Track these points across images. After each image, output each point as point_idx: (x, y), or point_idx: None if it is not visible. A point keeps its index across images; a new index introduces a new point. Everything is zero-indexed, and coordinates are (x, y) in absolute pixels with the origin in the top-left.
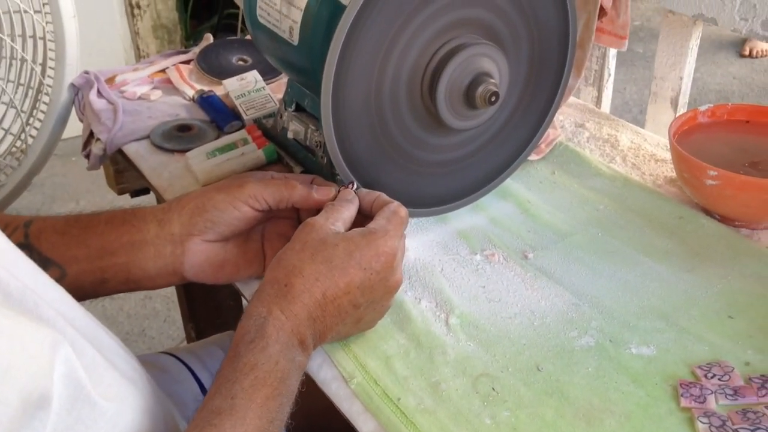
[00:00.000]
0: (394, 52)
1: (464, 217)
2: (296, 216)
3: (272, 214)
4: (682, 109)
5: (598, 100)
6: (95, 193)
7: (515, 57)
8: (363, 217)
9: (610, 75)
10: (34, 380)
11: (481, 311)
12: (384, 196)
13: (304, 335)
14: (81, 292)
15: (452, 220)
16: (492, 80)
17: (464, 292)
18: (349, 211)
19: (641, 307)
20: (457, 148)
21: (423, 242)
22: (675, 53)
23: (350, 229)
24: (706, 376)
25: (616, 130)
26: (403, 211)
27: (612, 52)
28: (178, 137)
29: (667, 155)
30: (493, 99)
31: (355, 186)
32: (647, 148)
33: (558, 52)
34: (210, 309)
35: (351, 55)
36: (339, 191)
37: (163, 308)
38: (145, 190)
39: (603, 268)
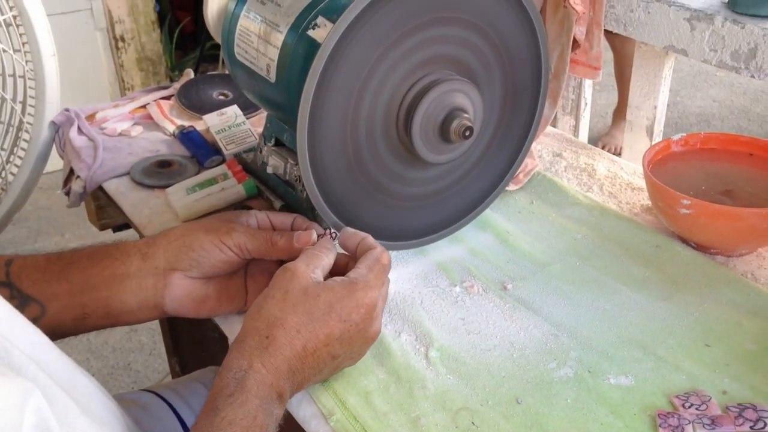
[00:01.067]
0: (369, 89)
1: (444, 249)
2: None
3: None
4: (657, 137)
5: (576, 129)
6: (80, 226)
7: (489, 90)
8: (347, 257)
9: (586, 104)
10: None
11: (461, 344)
12: (369, 240)
13: (283, 388)
14: (61, 330)
15: (432, 252)
16: (466, 115)
17: (444, 325)
18: (328, 259)
19: (619, 337)
20: (435, 180)
21: (403, 275)
22: (649, 83)
23: (328, 276)
24: (683, 405)
25: (592, 159)
26: (386, 257)
27: (588, 82)
28: (158, 173)
29: (644, 184)
30: (467, 133)
31: (333, 233)
32: (623, 176)
33: (532, 82)
34: (194, 342)
35: (326, 91)
36: (319, 236)
37: (148, 341)
38: (126, 225)
39: (581, 297)
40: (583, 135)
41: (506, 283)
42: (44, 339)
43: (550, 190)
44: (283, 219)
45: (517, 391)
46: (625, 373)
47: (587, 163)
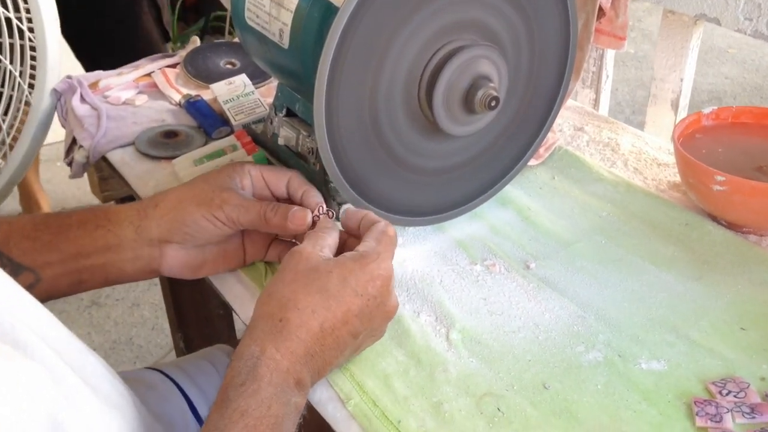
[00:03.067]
0: (389, 56)
1: (463, 226)
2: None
3: None
4: (682, 112)
5: (596, 103)
6: (81, 199)
7: (515, 59)
8: (351, 238)
9: (608, 77)
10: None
11: (483, 325)
12: (371, 215)
13: (302, 374)
14: (58, 293)
15: (450, 228)
16: (492, 84)
17: (465, 305)
18: (332, 238)
19: (649, 319)
20: (455, 154)
21: (421, 252)
22: (675, 54)
23: (337, 254)
24: (720, 392)
25: (615, 133)
26: (392, 230)
27: (609, 54)
28: (164, 144)
29: (670, 159)
30: (493, 104)
31: (332, 212)
32: (649, 152)
33: (558, 53)
34: (199, 318)
35: (344, 58)
36: (314, 216)
37: (151, 316)
38: (131, 197)
39: (608, 277)
40: (604, 109)
41: (529, 262)
42: (54, 319)
43: (572, 166)
44: (278, 177)
45: (543, 376)
46: (657, 357)
47: (610, 137)
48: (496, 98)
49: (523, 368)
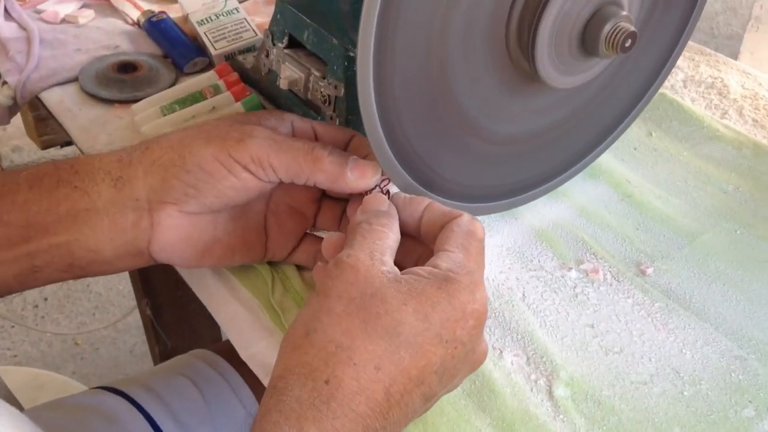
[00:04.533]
0: None
1: (540, 209)
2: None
3: None
4: None
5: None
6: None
7: None
8: (403, 239)
9: None
10: None
11: (599, 372)
12: (438, 205)
13: None
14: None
15: (525, 213)
16: (624, 13)
17: (566, 337)
18: (394, 235)
19: None
20: (546, 113)
21: (488, 248)
22: None
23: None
24: None
25: (717, 69)
26: (480, 228)
27: None
28: (119, 81)
29: None
30: (627, 43)
31: (386, 189)
32: (766, 95)
33: None
34: (170, 283)
35: None
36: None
37: None
38: None
39: (759, 288)
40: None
41: (643, 264)
42: None
43: (673, 116)
44: (335, 133)
45: None
46: None
47: (713, 76)
48: (632, 34)
49: None
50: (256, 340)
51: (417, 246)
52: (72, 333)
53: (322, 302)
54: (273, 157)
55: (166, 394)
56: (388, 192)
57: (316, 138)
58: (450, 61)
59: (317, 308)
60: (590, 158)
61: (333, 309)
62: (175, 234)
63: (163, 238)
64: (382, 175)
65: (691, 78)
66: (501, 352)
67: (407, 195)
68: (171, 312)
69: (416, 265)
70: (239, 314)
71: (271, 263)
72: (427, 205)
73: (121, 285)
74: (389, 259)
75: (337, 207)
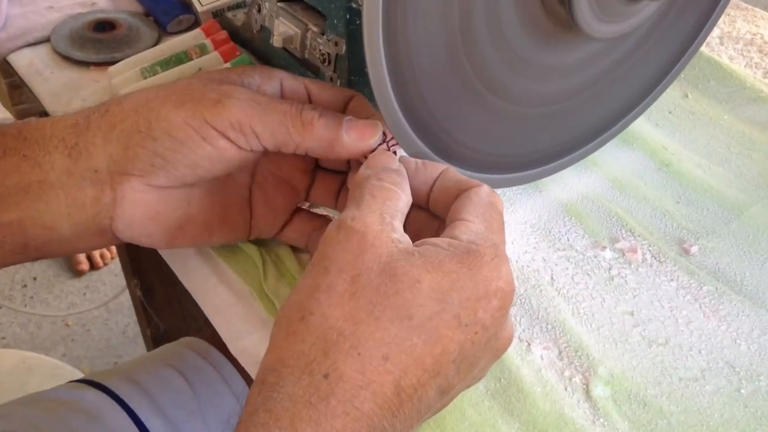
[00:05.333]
0: None
1: (567, 179)
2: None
3: None
4: None
5: None
6: None
7: None
8: (414, 210)
9: None
10: None
11: (643, 367)
12: (453, 173)
13: None
14: None
15: (550, 185)
16: None
17: (603, 327)
18: (406, 195)
19: None
20: (577, 71)
21: (510, 225)
22: None
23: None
24: None
25: (755, 24)
26: (500, 203)
27: None
28: (95, 41)
29: None
30: None
31: (393, 146)
32: None
33: None
34: (161, 262)
35: None
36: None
37: None
38: None
39: None
40: None
41: (686, 241)
42: None
43: (711, 76)
44: (332, 93)
45: None
46: None
47: (752, 32)
48: None
49: None
50: (247, 332)
51: (430, 221)
52: (62, 315)
53: (320, 278)
54: (256, 122)
55: (151, 387)
56: (395, 153)
57: (309, 100)
58: (473, 8)
59: (314, 286)
60: (625, 122)
61: (334, 287)
62: (141, 210)
63: (128, 215)
64: (388, 136)
65: (728, 34)
66: (529, 344)
67: (419, 160)
68: (163, 293)
69: (420, 238)
70: (228, 302)
71: (260, 243)
72: (442, 170)
73: (113, 263)
74: (399, 224)
75: (334, 179)
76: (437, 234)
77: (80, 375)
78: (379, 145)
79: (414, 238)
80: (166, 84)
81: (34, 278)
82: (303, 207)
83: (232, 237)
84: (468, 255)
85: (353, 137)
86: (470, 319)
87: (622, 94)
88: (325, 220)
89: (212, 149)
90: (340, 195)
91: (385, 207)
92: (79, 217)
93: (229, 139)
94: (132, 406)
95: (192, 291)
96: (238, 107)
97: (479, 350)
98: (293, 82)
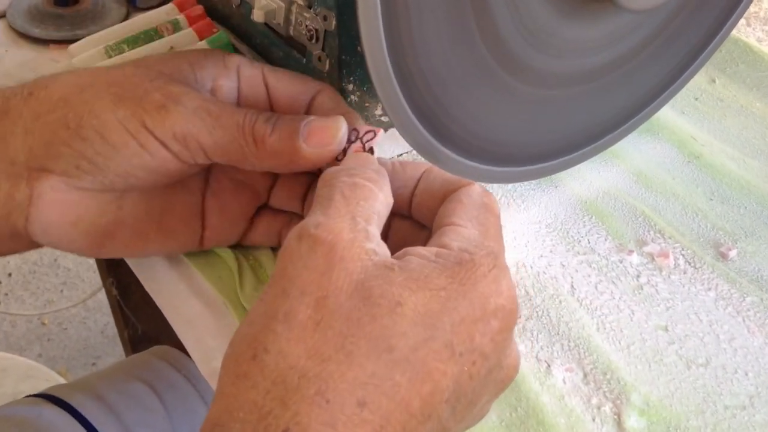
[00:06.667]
0: None
1: (586, 173)
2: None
3: None
4: None
5: None
6: None
7: None
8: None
9: None
10: None
11: (682, 393)
12: (439, 172)
13: None
14: None
15: (566, 179)
16: None
17: (633, 344)
18: (384, 195)
19: None
20: (603, 48)
21: (523, 227)
22: None
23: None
24: None
25: None
26: (495, 204)
27: None
28: (56, 16)
29: None
30: None
31: (368, 141)
32: None
33: None
34: None
35: None
36: (350, 140)
37: None
38: None
39: None
40: None
41: (723, 244)
42: None
43: (739, 59)
44: (296, 85)
45: None
46: None
47: None
48: None
49: None
50: (220, 351)
51: (415, 232)
52: (37, 313)
53: (277, 303)
54: (204, 137)
55: (118, 404)
56: (371, 150)
57: (267, 89)
58: None
59: (270, 314)
60: (651, 109)
61: (294, 314)
62: (59, 213)
63: (44, 217)
64: (362, 132)
65: (755, 15)
66: (549, 365)
67: (397, 160)
68: (140, 292)
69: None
70: (199, 315)
71: (238, 246)
72: (424, 170)
73: (92, 259)
74: (376, 231)
75: (300, 181)
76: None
77: (56, 376)
78: (352, 143)
79: (395, 252)
80: (105, 68)
81: (9, 274)
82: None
83: (177, 247)
84: (460, 267)
85: (314, 144)
86: (466, 347)
87: (649, 76)
88: (293, 216)
89: (150, 159)
90: (307, 198)
91: (358, 209)
92: None
93: (170, 150)
94: (96, 425)
95: (158, 301)
96: (184, 117)
97: (479, 384)
98: (251, 71)
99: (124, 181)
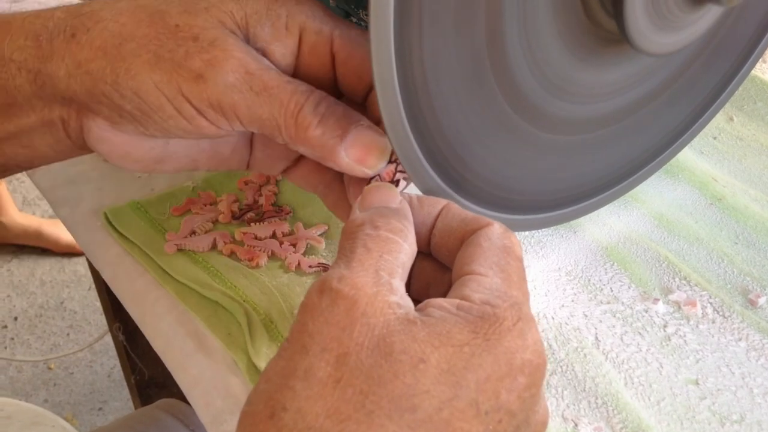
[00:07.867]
0: None
1: (605, 218)
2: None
3: None
4: None
5: None
6: None
7: None
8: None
9: None
10: None
11: None
12: (457, 209)
13: None
14: None
15: (585, 223)
16: None
17: (663, 400)
18: (409, 245)
19: None
20: (621, 91)
21: (543, 275)
22: None
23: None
24: None
25: None
26: (518, 244)
27: None
28: None
29: None
30: None
31: (397, 178)
32: None
33: None
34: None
35: None
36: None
37: (87, 272)
38: None
39: None
40: None
41: (752, 291)
42: None
43: (757, 96)
44: (362, 60)
45: None
46: None
47: None
48: None
49: None
50: (231, 413)
51: (439, 272)
52: (43, 359)
53: (296, 359)
54: (242, 109)
55: None
56: (398, 181)
57: (332, 59)
58: (502, 18)
59: (289, 370)
60: (671, 152)
61: (314, 372)
62: (108, 148)
63: (95, 146)
64: (396, 156)
65: None
66: (576, 424)
67: (417, 195)
68: (146, 340)
69: (429, 295)
70: (207, 374)
71: (245, 296)
72: (444, 204)
73: (98, 301)
74: (400, 284)
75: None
76: (449, 289)
77: (63, 423)
78: (387, 163)
79: (420, 294)
80: (151, 12)
81: (15, 318)
82: None
83: (225, 168)
84: (483, 321)
85: (352, 157)
86: (492, 405)
87: (669, 119)
88: (329, 171)
89: (187, 124)
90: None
91: (381, 262)
92: (54, 136)
93: (206, 118)
94: None
95: (165, 359)
96: (221, 90)
97: None
98: (316, 38)
99: (164, 134)
